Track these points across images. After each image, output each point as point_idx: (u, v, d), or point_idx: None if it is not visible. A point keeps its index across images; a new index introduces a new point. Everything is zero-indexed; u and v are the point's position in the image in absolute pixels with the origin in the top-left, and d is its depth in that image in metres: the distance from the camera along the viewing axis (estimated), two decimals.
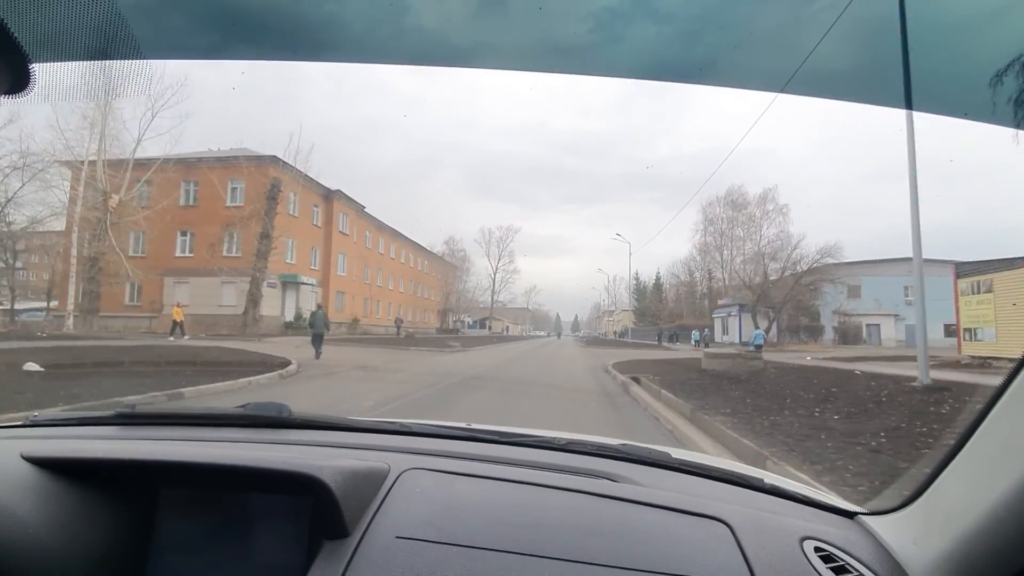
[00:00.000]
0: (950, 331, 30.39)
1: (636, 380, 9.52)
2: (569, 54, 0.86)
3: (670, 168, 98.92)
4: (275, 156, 28.30)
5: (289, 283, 34.24)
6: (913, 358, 7.72)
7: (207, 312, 23.63)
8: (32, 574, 0.74)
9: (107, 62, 0.82)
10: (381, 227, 49.93)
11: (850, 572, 0.79)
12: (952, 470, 0.72)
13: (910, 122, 7.36)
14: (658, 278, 67.44)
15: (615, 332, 71.83)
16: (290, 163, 28.06)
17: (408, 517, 0.84)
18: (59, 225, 26.38)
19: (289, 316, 31.57)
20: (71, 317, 22.20)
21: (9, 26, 0.66)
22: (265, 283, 29.53)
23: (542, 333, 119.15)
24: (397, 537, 0.80)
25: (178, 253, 29.54)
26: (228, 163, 29.76)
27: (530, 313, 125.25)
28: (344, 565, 0.78)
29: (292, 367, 9.70)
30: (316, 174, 35.91)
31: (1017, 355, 0.62)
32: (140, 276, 24.83)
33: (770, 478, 1.04)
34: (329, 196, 36.16)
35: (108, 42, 0.76)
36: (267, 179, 27.79)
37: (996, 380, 0.60)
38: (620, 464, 1.04)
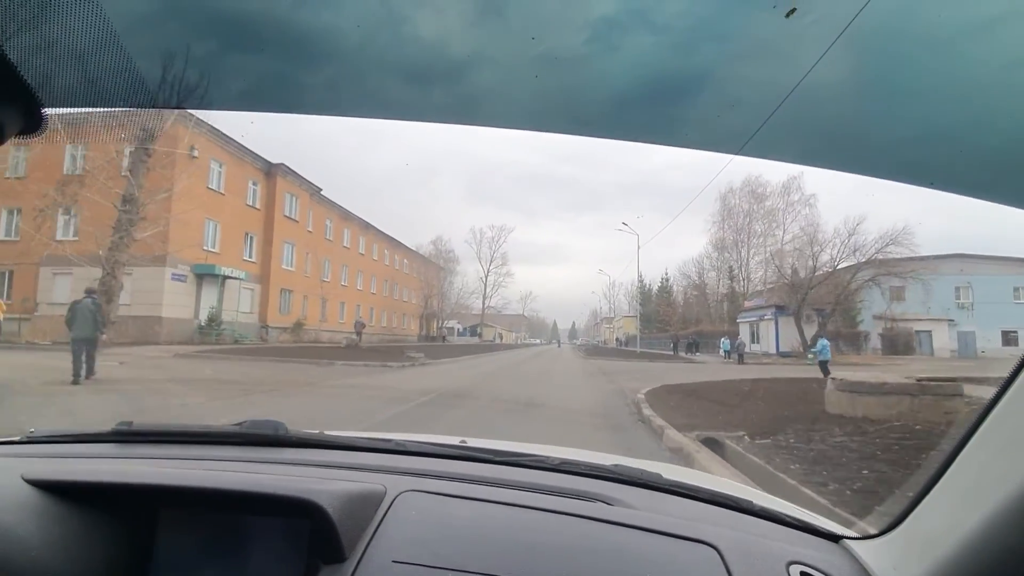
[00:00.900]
0: (1008, 338, 27.43)
1: (713, 444, 4.96)
2: (566, 64, 0.88)
3: (667, 176, 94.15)
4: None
5: (206, 275, 27.77)
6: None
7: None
8: None
9: (116, 110, 0.87)
10: (347, 217, 44.39)
11: None
12: (932, 497, 0.76)
13: None
14: (666, 279, 58.71)
15: (617, 340, 70.63)
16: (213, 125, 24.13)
17: (404, 540, 0.85)
18: None
19: (205, 317, 25.56)
20: None
21: (21, 71, 0.68)
22: (170, 274, 24.11)
23: (538, 341, 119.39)
24: (394, 561, 0.81)
25: (60, 236, 22.69)
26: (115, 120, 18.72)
27: (526, 320, 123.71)
28: None
29: None
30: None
31: None
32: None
33: (759, 499, 1.07)
34: (271, 172, 26.78)
35: (117, 89, 0.80)
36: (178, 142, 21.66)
37: None
38: (613, 485, 1.06)
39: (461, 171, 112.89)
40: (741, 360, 28.31)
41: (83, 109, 0.78)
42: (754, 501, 1.01)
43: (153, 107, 0.81)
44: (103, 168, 18.76)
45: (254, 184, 28.72)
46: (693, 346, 36.89)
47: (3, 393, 7.29)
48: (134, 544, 0.86)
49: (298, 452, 1.12)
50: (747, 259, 47.32)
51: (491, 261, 72.35)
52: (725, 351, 31.00)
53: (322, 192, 35.32)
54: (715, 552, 0.81)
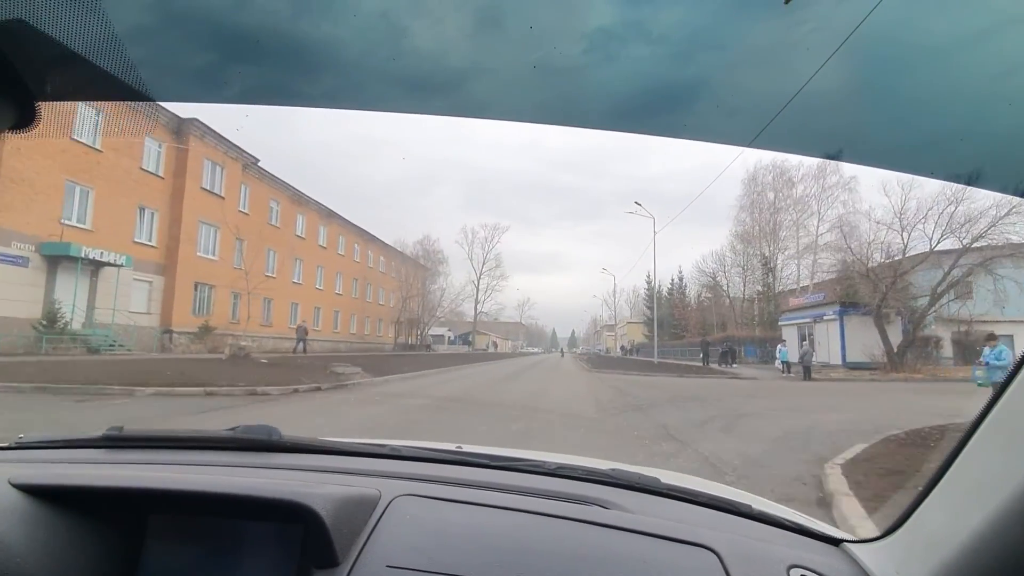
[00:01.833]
0: None
1: None
2: (563, 74, 0.89)
3: (664, 186, 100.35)
4: None
5: (61, 258, 20.29)
6: None
7: None
8: None
9: (110, 103, 0.88)
10: (300, 200, 37.67)
11: None
12: (932, 499, 0.77)
13: None
14: (679, 279, 50.61)
15: (623, 348, 69.27)
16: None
17: (398, 545, 0.85)
18: None
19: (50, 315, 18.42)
20: None
21: (16, 64, 0.68)
22: None
23: (537, 349, 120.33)
24: (388, 566, 0.81)
25: None
26: None
27: (524, 328, 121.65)
28: None
29: None
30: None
31: None
32: None
33: (758, 503, 1.09)
34: (182, 131, 16.24)
35: (111, 82, 0.79)
36: None
37: None
38: (610, 490, 1.06)
39: (459, 180, 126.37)
40: (808, 374, 19.35)
41: (77, 103, 0.79)
42: (753, 505, 1.04)
43: (148, 100, 0.83)
44: None
45: (157, 144, 20.34)
46: (728, 355, 28.30)
47: None
48: (123, 550, 0.86)
49: (291, 457, 1.14)
50: (775, 252, 38.83)
51: (484, 263, 68.49)
52: (783, 361, 22.08)
53: (259, 163, 26.60)
54: (715, 556, 0.82)
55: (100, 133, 19.38)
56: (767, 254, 41.17)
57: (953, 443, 0.71)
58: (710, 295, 49.59)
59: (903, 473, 4.88)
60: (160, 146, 23.81)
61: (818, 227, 39.23)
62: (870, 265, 24.66)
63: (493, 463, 1.12)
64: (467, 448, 1.23)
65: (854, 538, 0.92)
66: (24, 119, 0.70)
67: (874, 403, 11.73)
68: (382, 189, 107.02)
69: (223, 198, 26.98)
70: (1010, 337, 27.84)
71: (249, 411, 9.19)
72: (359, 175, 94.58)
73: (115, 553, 0.84)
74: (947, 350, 27.36)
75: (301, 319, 31.29)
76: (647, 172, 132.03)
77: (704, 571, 0.79)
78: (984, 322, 25.21)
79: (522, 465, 1.11)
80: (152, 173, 23.55)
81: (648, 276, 63.84)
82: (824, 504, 4.35)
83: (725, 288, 46.10)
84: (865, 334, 24.06)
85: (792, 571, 0.80)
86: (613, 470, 1.10)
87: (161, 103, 0.87)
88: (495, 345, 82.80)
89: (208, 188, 26.27)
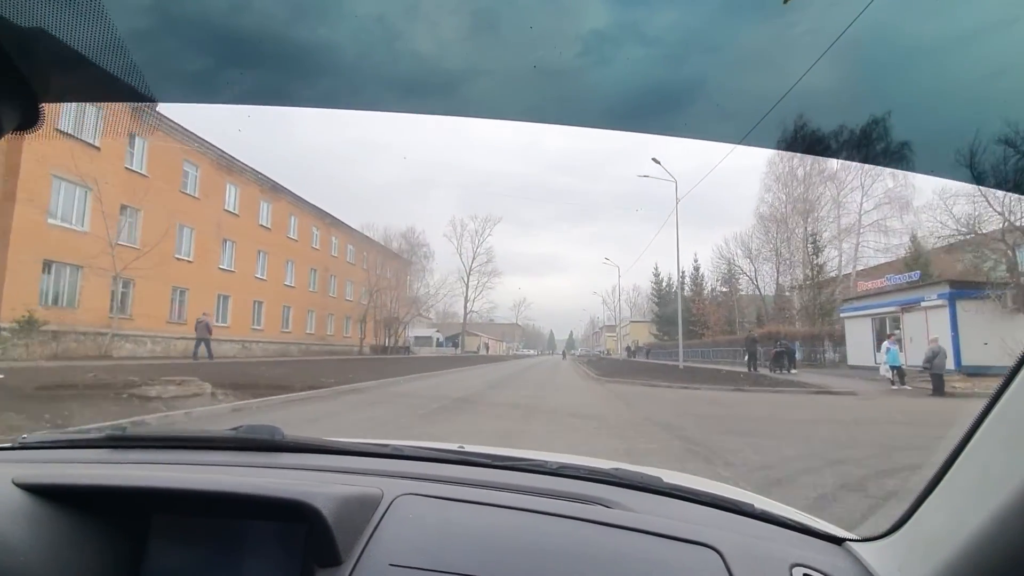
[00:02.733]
0: None
1: None
2: (558, 76, 0.91)
3: (660, 187, 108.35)
4: None
5: None
6: None
7: None
8: None
9: (112, 104, 0.90)
10: (229, 166, 29.68)
11: None
12: (934, 498, 0.79)
13: None
14: (697, 269, 43.49)
15: (628, 349, 59.95)
16: None
17: (401, 544, 0.85)
18: None
19: None
20: None
21: (19, 66, 0.68)
22: None
23: (533, 352, 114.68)
24: (390, 565, 0.80)
25: None
26: None
27: (520, 329, 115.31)
28: None
29: None
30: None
31: None
32: None
33: (760, 503, 1.11)
34: None
35: (114, 82, 0.79)
36: None
37: None
38: (612, 489, 1.07)
39: (455, 183, 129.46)
40: (941, 388, 10.24)
41: (80, 103, 0.85)
42: (755, 504, 1.07)
43: (151, 101, 0.85)
44: None
45: None
46: (784, 357, 20.22)
47: None
48: (126, 550, 0.87)
49: (294, 457, 1.17)
50: (818, 231, 37.09)
51: (474, 258, 63.42)
52: (893, 367, 13.51)
53: (157, 107, 17.61)
54: (717, 555, 0.83)
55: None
56: (813, 231, 33.82)
57: (954, 442, 0.75)
58: (725, 288, 42.55)
59: None
60: None
61: (862, 203, 32.30)
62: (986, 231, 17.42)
63: (496, 463, 1.17)
64: (469, 448, 1.29)
65: (856, 537, 0.96)
66: (28, 120, 0.71)
67: None
68: (378, 192, 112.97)
69: (97, 149, 19.69)
70: None
71: None
72: (354, 178, 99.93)
73: (118, 553, 0.86)
74: None
75: (203, 312, 24.04)
76: (643, 174, 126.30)
77: (707, 570, 0.81)
78: None
79: (524, 465, 1.15)
80: None
81: (655, 270, 57.32)
82: None
83: (753, 277, 38.94)
84: (993, 325, 16.67)
85: (795, 570, 0.82)
86: (616, 469, 1.16)
87: (162, 104, 0.93)
88: (487, 347, 75.64)
89: (71, 132, 18.63)
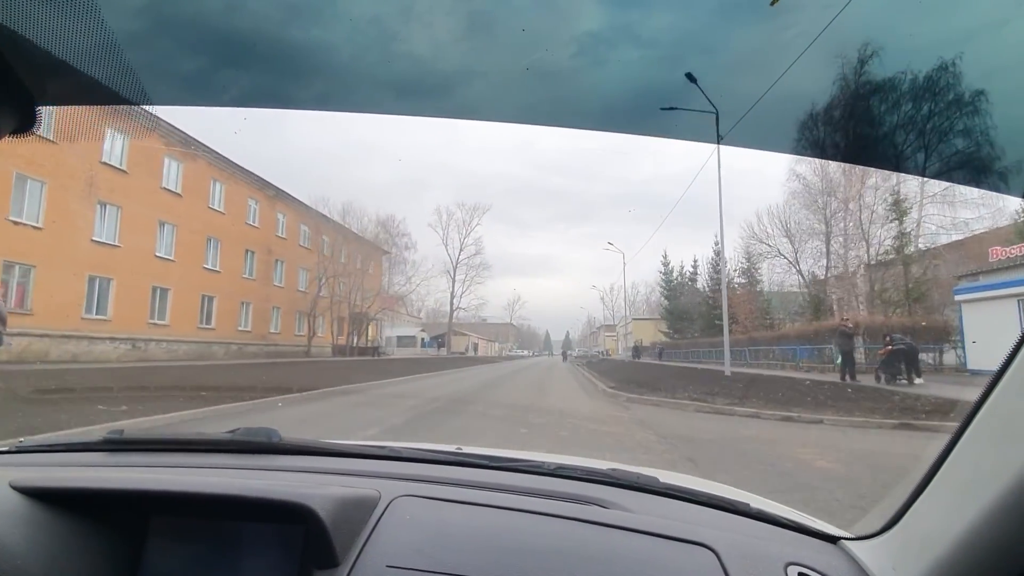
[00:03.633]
0: None
1: None
2: (552, 77, 0.91)
3: (655, 187, 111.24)
4: None
5: None
6: None
7: None
8: None
9: (108, 107, 0.87)
10: (131, 115, 11.85)
11: None
12: (928, 494, 0.79)
13: None
14: (718, 254, 35.12)
15: (634, 349, 49.88)
16: None
17: (398, 545, 0.85)
18: None
19: None
20: None
21: (16, 69, 0.69)
22: None
23: (526, 353, 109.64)
24: (388, 566, 0.80)
25: None
26: None
27: (515, 329, 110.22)
28: None
29: None
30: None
31: None
32: None
33: (756, 502, 1.12)
34: None
35: (111, 85, 0.80)
36: None
37: None
38: (609, 489, 1.07)
39: (450, 184, 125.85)
40: None
41: (77, 106, 0.83)
42: (751, 504, 1.08)
43: (148, 104, 0.86)
44: None
45: None
46: (899, 360, 11.40)
47: None
48: (124, 552, 0.88)
49: (292, 459, 1.17)
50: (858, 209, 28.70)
51: (461, 249, 55.19)
52: None
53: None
54: (712, 554, 0.84)
55: None
56: (895, 187, 25.08)
57: (946, 439, 0.74)
58: (743, 280, 35.07)
59: None
60: None
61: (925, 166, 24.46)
62: None
63: (492, 464, 1.18)
64: (466, 449, 1.30)
65: (851, 535, 0.96)
66: (25, 124, 0.72)
67: None
68: (373, 194, 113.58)
69: None
70: None
71: None
72: (350, 178, 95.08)
73: (116, 556, 0.86)
74: None
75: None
76: (638, 176, 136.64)
77: (702, 569, 0.81)
78: None
79: (521, 466, 1.16)
80: None
81: (664, 258, 49.73)
82: None
83: (794, 260, 31.18)
84: None
85: (790, 568, 0.82)
86: (612, 470, 1.16)
87: (158, 107, 0.91)
88: (476, 348, 68.25)
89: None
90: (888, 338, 16.37)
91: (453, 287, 58.60)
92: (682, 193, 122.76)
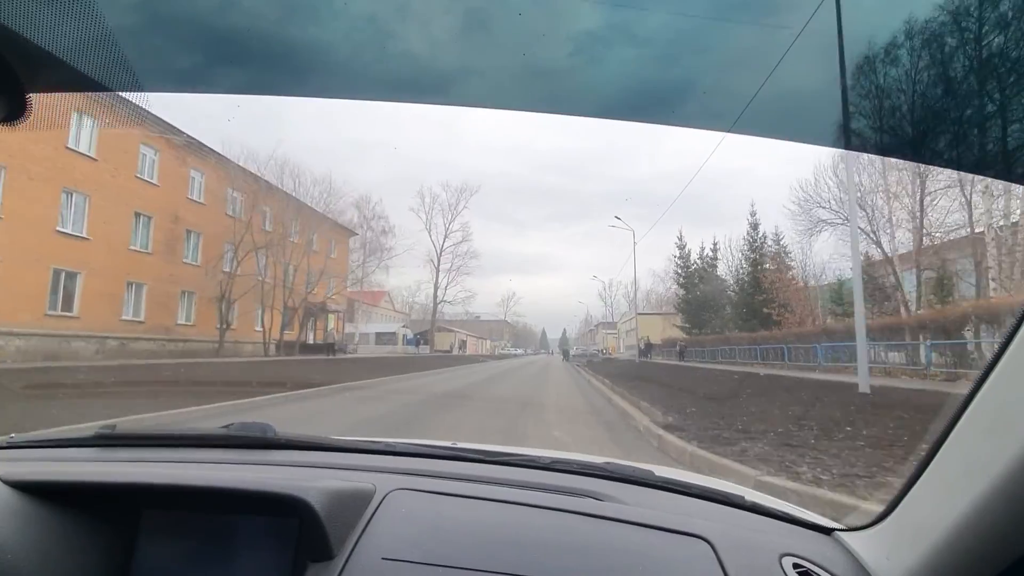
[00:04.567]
0: None
1: None
2: (549, 76, 0.93)
3: (652, 186, 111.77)
4: None
5: None
6: None
7: None
8: None
9: (101, 94, 0.88)
10: None
11: None
12: (920, 485, 0.81)
13: None
14: (756, 226, 26.59)
15: (642, 348, 41.01)
16: None
17: (394, 538, 0.87)
18: None
19: None
20: None
21: (6, 56, 0.68)
22: None
23: (520, 351, 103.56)
24: (383, 559, 0.82)
25: None
26: None
27: (510, 327, 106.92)
28: None
29: None
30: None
31: None
32: None
33: (751, 495, 1.13)
34: None
35: (103, 73, 0.80)
36: None
37: None
38: (605, 483, 1.08)
39: (447, 183, 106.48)
40: None
41: (69, 94, 0.84)
42: (746, 496, 1.10)
43: (139, 91, 0.86)
44: None
45: None
46: None
47: None
48: (116, 547, 0.89)
49: (286, 454, 1.16)
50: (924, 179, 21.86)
51: (446, 236, 48.45)
52: None
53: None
54: (708, 546, 0.85)
55: None
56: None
57: (939, 431, 0.76)
58: (771, 266, 27.86)
59: None
60: None
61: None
62: None
63: (488, 458, 1.18)
64: (462, 444, 1.29)
65: (845, 527, 0.98)
66: (16, 111, 0.70)
67: None
68: (371, 191, 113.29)
69: None
70: None
71: None
72: (348, 177, 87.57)
73: (109, 550, 0.87)
74: None
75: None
76: (635, 174, 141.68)
77: (697, 560, 0.82)
78: None
79: (517, 460, 1.17)
80: None
81: (679, 240, 40.77)
82: None
83: (871, 233, 22.76)
84: None
85: (784, 560, 0.83)
86: (608, 463, 1.17)
87: (152, 93, 0.90)
88: (463, 346, 60.86)
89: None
90: None
91: (437, 277, 51.09)
92: (680, 191, 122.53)
